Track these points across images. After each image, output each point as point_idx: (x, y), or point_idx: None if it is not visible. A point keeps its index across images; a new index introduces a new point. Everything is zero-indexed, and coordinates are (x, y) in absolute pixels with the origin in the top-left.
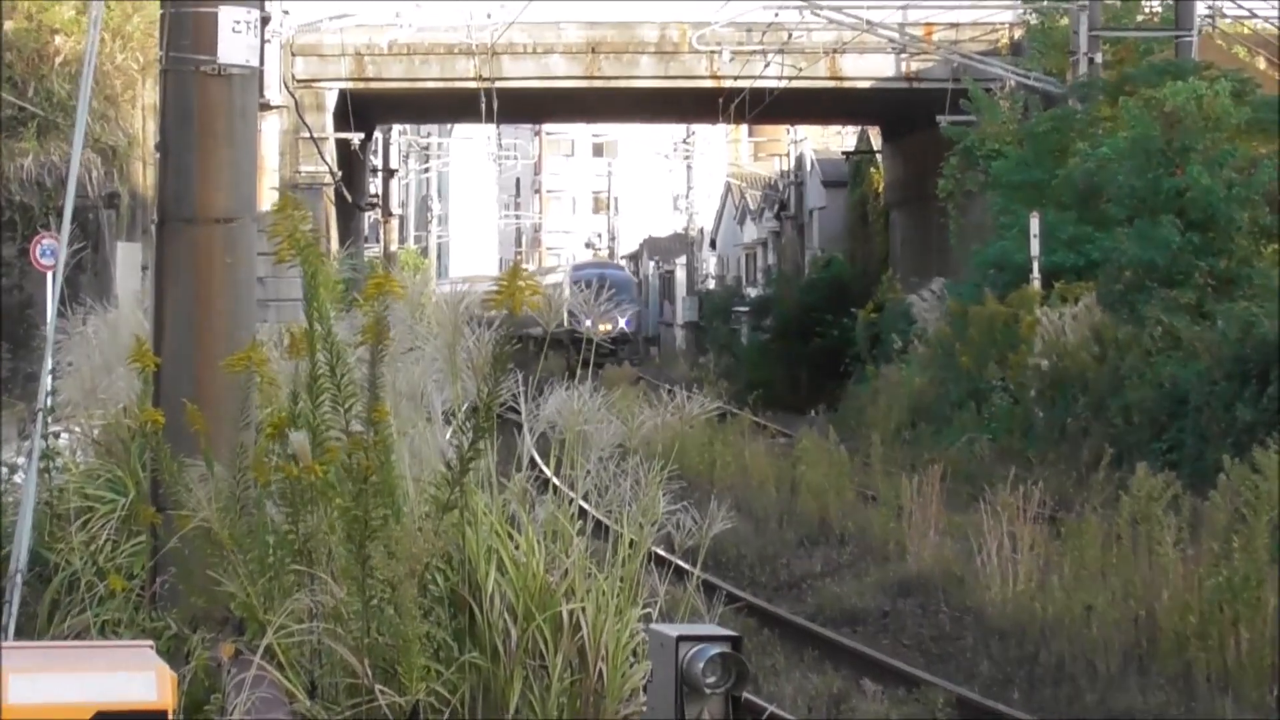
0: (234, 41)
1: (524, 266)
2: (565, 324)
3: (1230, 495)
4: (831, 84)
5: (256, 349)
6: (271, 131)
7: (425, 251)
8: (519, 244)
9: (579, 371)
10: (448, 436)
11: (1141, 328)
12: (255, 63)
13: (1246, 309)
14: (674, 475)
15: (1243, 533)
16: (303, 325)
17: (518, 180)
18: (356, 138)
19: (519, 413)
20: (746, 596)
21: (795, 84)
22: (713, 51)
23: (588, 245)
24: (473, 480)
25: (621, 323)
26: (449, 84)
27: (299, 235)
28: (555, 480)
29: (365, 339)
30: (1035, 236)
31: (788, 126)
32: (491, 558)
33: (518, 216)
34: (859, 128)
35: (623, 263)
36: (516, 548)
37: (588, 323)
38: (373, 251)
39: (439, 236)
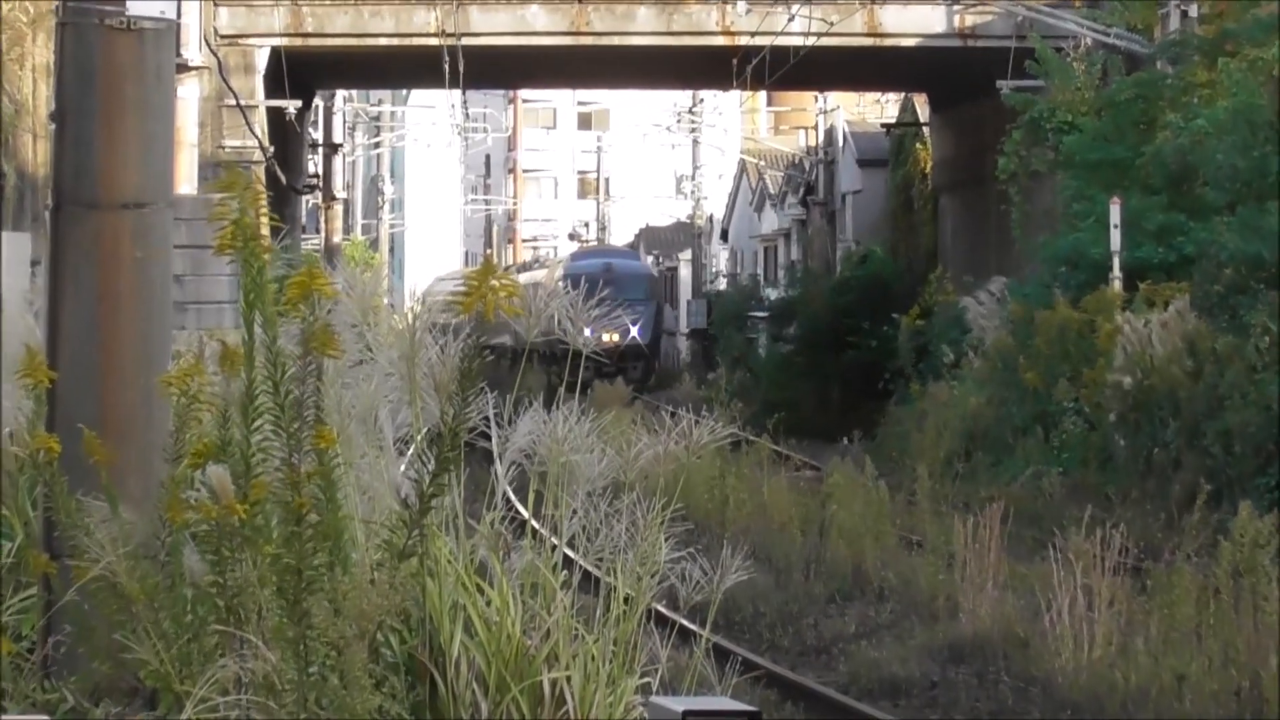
0: None
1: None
2: (556, 333)
3: None
4: (869, 41)
5: (199, 366)
6: (190, 98)
7: (375, 243)
8: (489, 235)
9: (563, 391)
10: (403, 468)
11: (1245, 337)
12: (171, 14)
13: None
14: (679, 515)
15: None
16: (229, 332)
17: (488, 158)
18: (292, 106)
19: (490, 439)
20: (766, 663)
21: (825, 41)
22: (725, 2)
23: (572, 236)
24: (435, 522)
25: (633, 331)
26: (405, 40)
27: (246, 222)
28: (534, 523)
29: (310, 348)
30: (1116, 227)
31: (816, 93)
32: (458, 616)
33: (488, 202)
34: (902, 95)
35: (639, 252)
36: (488, 604)
37: (587, 332)
38: (312, 243)
39: (392, 225)
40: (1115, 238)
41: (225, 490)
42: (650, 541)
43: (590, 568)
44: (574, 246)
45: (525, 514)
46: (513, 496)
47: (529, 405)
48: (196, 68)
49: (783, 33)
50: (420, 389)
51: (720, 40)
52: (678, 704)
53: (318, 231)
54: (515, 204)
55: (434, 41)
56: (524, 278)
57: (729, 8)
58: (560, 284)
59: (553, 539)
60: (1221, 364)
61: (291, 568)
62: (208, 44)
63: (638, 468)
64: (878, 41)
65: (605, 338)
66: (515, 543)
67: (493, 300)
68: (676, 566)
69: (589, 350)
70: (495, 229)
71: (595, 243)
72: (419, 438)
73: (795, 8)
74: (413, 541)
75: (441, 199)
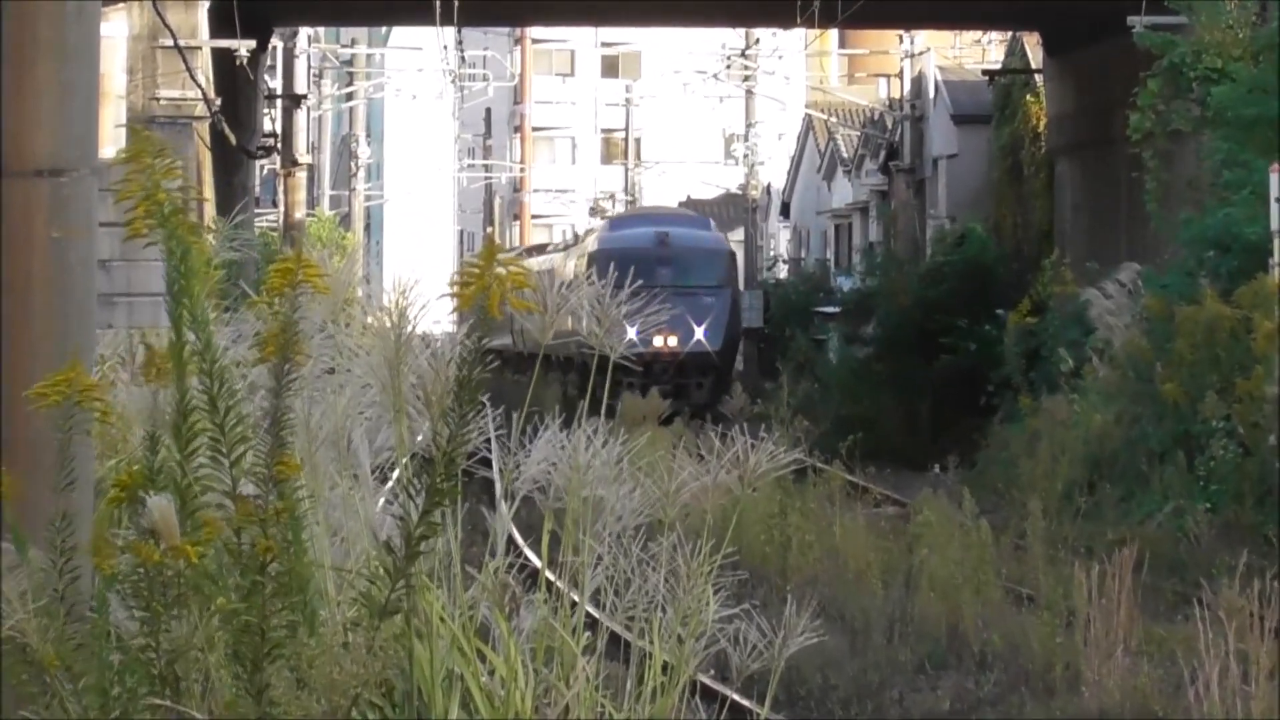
0: None
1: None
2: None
3: None
4: None
5: (78, 367)
6: (117, 38)
7: (347, 220)
8: (490, 210)
9: (584, 406)
10: (381, 503)
11: None
12: None
13: None
14: (730, 563)
15: None
16: (166, 333)
17: (488, 113)
18: (244, 48)
19: (494, 467)
20: None
21: None
22: None
23: (594, 211)
24: (424, 570)
25: (698, 333)
26: None
27: (163, 197)
28: (548, 573)
29: (267, 355)
30: (1278, 200)
31: (900, 33)
32: (453, 687)
33: (488, 169)
34: (1009, 35)
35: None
36: (491, 673)
37: (631, 334)
38: (269, 220)
39: (368, 197)
40: (1276, 214)
41: (169, 528)
42: (695, 595)
43: (619, 629)
44: (595, 223)
45: (536, 561)
46: (519, 538)
47: (542, 425)
48: (125, 0)
49: None
50: (406, 404)
51: None
52: None
53: (275, 205)
54: (523, 171)
55: None
56: (537, 262)
57: None
58: (591, 267)
59: (572, 593)
60: None
61: (251, 627)
62: None
63: (679, 503)
64: None
65: (659, 342)
66: (525, 596)
67: (498, 292)
68: (728, 627)
69: (626, 358)
70: (498, 202)
71: (639, 206)
72: (404, 464)
73: None
74: (397, 595)
75: (430, 165)
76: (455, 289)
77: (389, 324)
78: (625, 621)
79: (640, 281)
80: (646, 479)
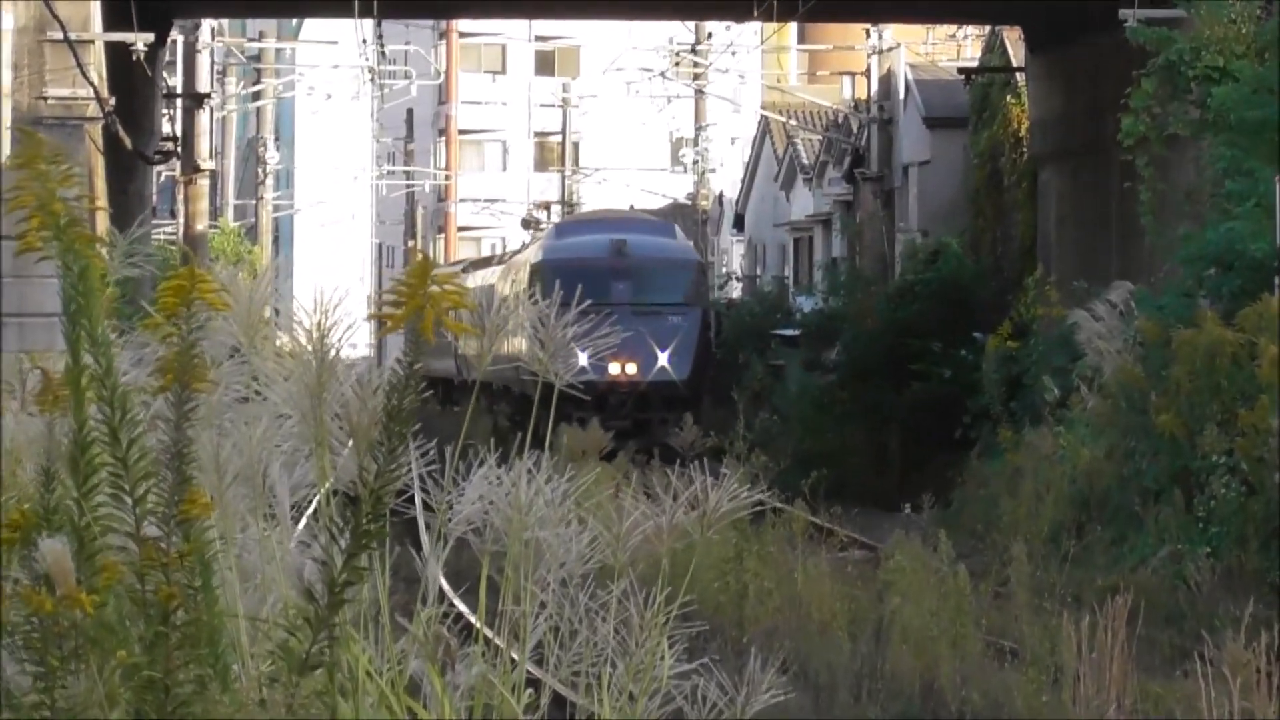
0: None
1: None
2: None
3: None
4: None
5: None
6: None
7: (254, 232)
8: (412, 221)
9: (526, 438)
10: (296, 543)
11: None
12: None
13: None
14: (688, 612)
15: None
16: (62, 357)
17: (410, 114)
18: (141, 42)
19: (425, 505)
20: None
21: None
22: None
23: (528, 223)
24: (349, 620)
25: (661, 359)
26: None
27: (59, 207)
28: (478, 623)
29: (167, 382)
30: None
31: (867, 27)
32: None
33: (410, 176)
34: (988, 29)
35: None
36: None
37: (582, 360)
38: (167, 232)
39: (277, 208)
40: None
41: (65, 573)
42: (650, 648)
43: (561, 689)
44: (528, 236)
45: (469, 615)
46: (446, 586)
47: (477, 460)
48: None
49: None
50: (329, 436)
51: None
52: None
53: (173, 215)
54: (448, 178)
55: None
56: (481, 276)
57: None
58: (534, 281)
59: (513, 646)
60: None
61: (154, 683)
62: None
63: (630, 547)
64: None
65: (615, 370)
66: (462, 650)
67: (432, 313)
68: (685, 683)
69: (574, 386)
70: (421, 213)
71: (591, 210)
72: (326, 502)
73: None
74: (319, 647)
75: (346, 172)
76: (384, 309)
77: (309, 347)
78: (571, 677)
79: (592, 298)
80: (594, 520)
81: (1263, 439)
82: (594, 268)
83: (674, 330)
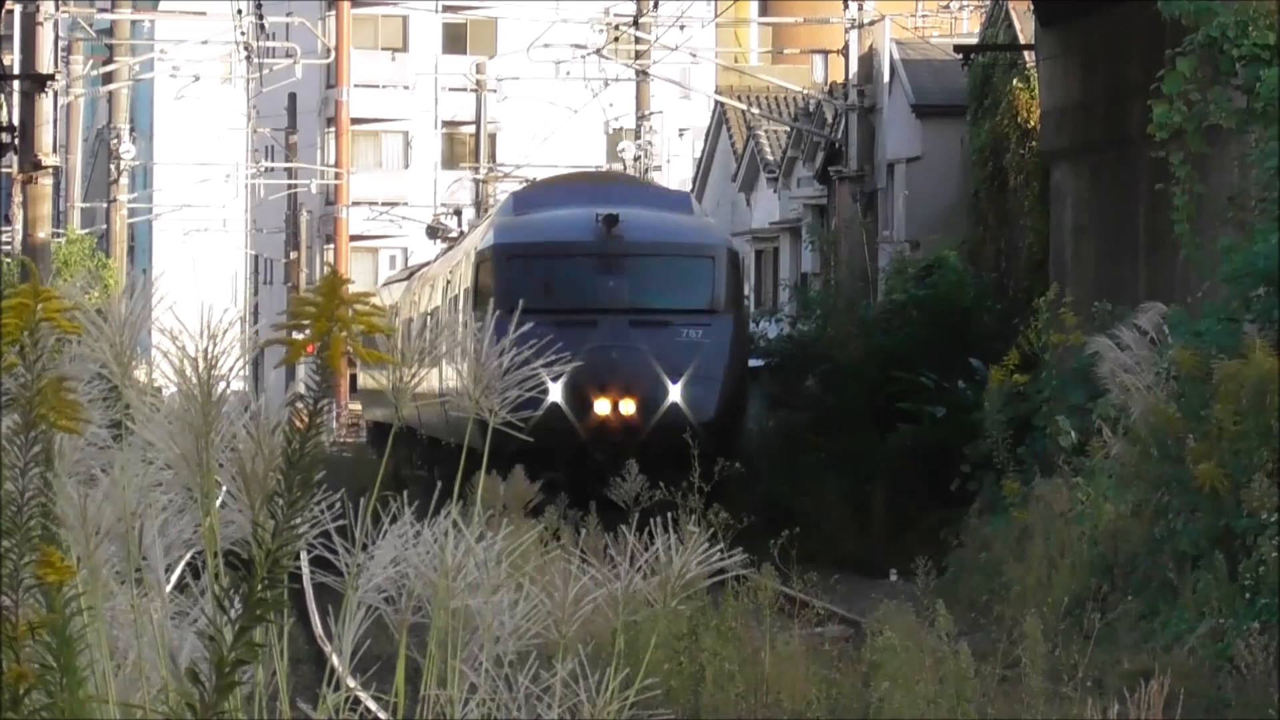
0: None
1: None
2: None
3: None
4: None
5: None
6: None
7: (105, 240)
8: (295, 229)
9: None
10: (175, 614)
11: None
12: None
13: None
14: (647, 698)
15: None
16: None
17: (293, 100)
18: None
19: (333, 568)
20: None
21: None
22: None
23: (434, 231)
24: (241, 707)
25: (672, 392)
26: None
27: None
28: (382, 714)
29: (37, 417)
30: None
31: None
32: None
33: (292, 174)
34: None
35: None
36: None
37: (555, 391)
38: (2, 240)
39: (133, 211)
40: None
41: None
42: None
43: None
44: (435, 248)
45: (374, 707)
46: (342, 669)
47: (388, 515)
48: None
49: None
50: (216, 485)
51: None
52: None
53: (8, 220)
54: (339, 177)
55: None
56: (390, 295)
57: None
58: (481, 275)
59: None
60: None
61: None
62: None
63: (578, 619)
64: None
65: (603, 408)
66: None
67: (341, 339)
68: None
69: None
70: (306, 218)
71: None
72: (213, 566)
73: None
74: None
75: (215, 169)
76: (285, 334)
77: (193, 379)
78: None
79: (569, 302)
80: (531, 586)
81: None
82: (571, 257)
83: (691, 349)
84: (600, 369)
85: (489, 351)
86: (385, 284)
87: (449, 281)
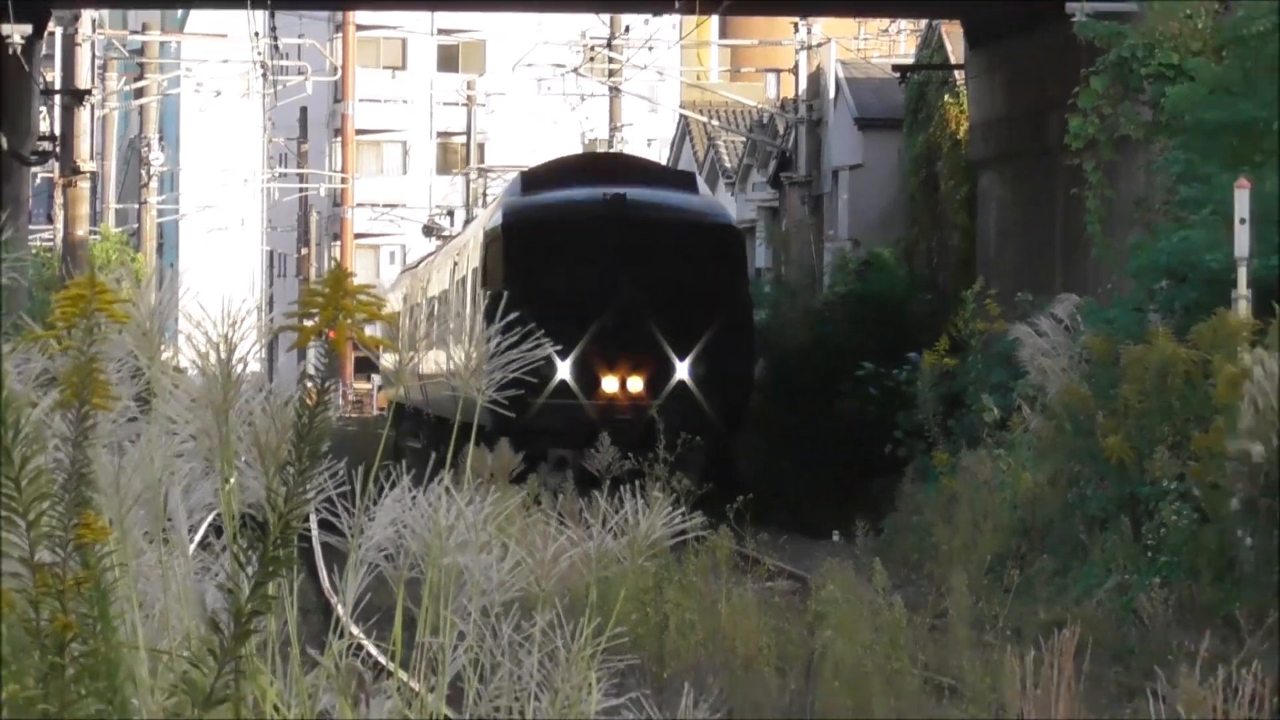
0: None
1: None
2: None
3: None
4: None
5: None
6: None
7: (137, 238)
8: (305, 227)
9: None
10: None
11: None
12: None
13: None
14: (617, 645)
15: None
16: None
17: (304, 113)
18: (18, 34)
19: (337, 531)
20: None
21: None
22: None
23: (430, 229)
24: (256, 652)
25: (680, 370)
26: None
27: None
28: (382, 659)
29: (66, 399)
30: (1244, 222)
31: (795, 21)
32: None
33: (303, 179)
34: (925, 24)
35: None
36: None
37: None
38: (43, 238)
39: (161, 212)
40: (1243, 237)
41: None
42: (576, 683)
43: None
44: (430, 245)
45: (374, 651)
46: (343, 615)
47: (390, 482)
48: None
49: None
50: (236, 455)
51: None
52: None
53: (50, 220)
54: (345, 181)
55: None
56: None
57: None
58: (491, 254)
59: (423, 679)
60: None
61: (49, 718)
62: None
63: (556, 574)
64: None
65: (611, 386)
66: (376, 684)
67: (347, 328)
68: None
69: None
70: (315, 218)
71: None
72: (235, 528)
73: None
74: (224, 680)
75: (235, 174)
76: (296, 321)
77: (214, 360)
78: (493, 712)
79: (577, 281)
80: (515, 546)
81: (1217, 464)
82: (579, 236)
83: (699, 327)
84: (608, 347)
85: (478, 337)
86: (404, 271)
87: (456, 263)
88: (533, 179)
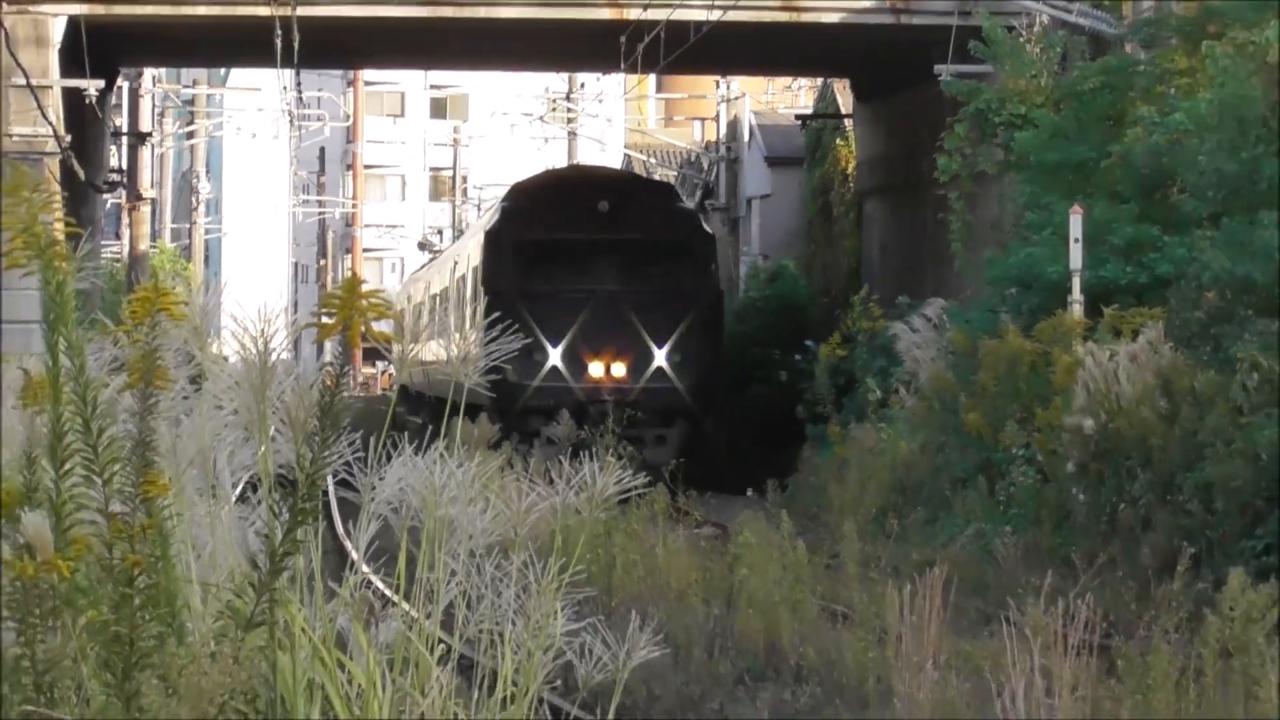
0: None
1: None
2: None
3: None
4: (784, 16)
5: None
6: None
7: (188, 252)
8: (323, 243)
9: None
10: (238, 518)
11: (1230, 374)
12: None
13: None
14: (579, 580)
15: None
16: (37, 359)
17: (322, 151)
18: (94, 87)
19: (351, 488)
20: None
21: (732, 16)
22: None
23: (424, 245)
24: (287, 585)
25: (658, 358)
26: (229, 9)
27: (40, 229)
28: (388, 591)
29: (133, 381)
30: (1077, 241)
31: (717, 78)
32: (314, 695)
33: (322, 204)
34: (821, 81)
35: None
36: (349, 681)
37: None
38: (112, 251)
39: (208, 231)
40: (1076, 254)
41: (44, 543)
42: (545, 611)
43: (460, 645)
44: (423, 258)
45: (378, 583)
46: (357, 557)
47: (394, 449)
48: None
49: (682, 4)
50: (271, 426)
51: (607, 13)
52: None
53: (118, 237)
54: (355, 207)
55: (264, 12)
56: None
57: None
58: (487, 257)
59: (415, 611)
60: (1201, 405)
61: (121, 638)
62: None
63: (529, 524)
64: (794, 16)
65: (597, 371)
66: (385, 610)
67: (359, 324)
68: (574, 640)
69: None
70: (331, 236)
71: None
72: (267, 484)
73: None
74: (261, 608)
75: (267, 200)
76: (317, 320)
77: (254, 351)
78: (478, 634)
79: (567, 278)
80: (496, 500)
81: (1056, 435)
82: (568, 239)
83: (674, 319)
84: (594, 336)
85: (467, 330)
86: (412, 275)
87: (456, 263)
88: (527, 189)
